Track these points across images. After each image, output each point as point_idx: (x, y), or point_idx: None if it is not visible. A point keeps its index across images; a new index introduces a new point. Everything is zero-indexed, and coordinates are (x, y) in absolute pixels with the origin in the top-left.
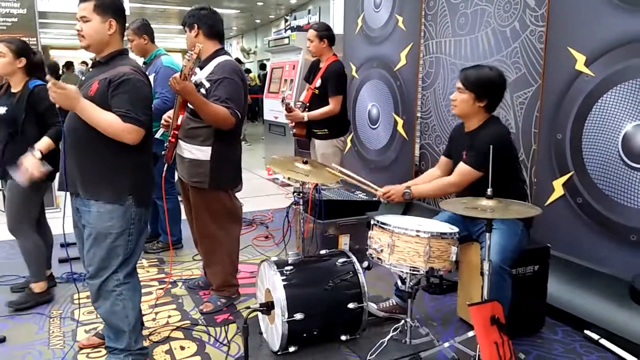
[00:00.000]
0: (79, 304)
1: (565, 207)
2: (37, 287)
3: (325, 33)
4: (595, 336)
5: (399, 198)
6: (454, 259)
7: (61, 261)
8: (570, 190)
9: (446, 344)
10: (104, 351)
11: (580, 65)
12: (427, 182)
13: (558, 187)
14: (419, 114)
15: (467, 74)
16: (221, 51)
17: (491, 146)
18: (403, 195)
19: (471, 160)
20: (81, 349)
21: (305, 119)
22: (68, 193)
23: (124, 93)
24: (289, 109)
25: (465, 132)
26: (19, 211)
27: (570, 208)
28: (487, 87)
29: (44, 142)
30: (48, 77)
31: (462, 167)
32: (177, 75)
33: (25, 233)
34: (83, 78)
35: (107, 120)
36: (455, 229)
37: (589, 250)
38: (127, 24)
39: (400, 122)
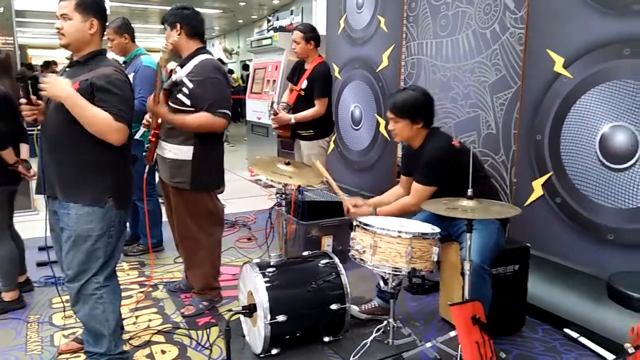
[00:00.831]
0: (64, 307)
1: (545, 207)
2: (8, 296)
3: (311, 35)
4: (574, 334)
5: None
6: (435, 259)
7: (39, 265)
8: (550, 191)
9: (428, 344)
10: (83, 356)
11: (558, 67)
12: (391, 202)
13: (537, 188)
14: None
15: (394, 103)
16: (202, 49)
17: (438, 159)
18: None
19: (421, 179)
20: (60, 354)
21: (292, 121)
22: (45, 196)
23: (114, 94)
24: (275, 113)
25: (414, 150)
26: None
27: (549, 208)
28: (417, 108)
29: (5, 155)
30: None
31: (416, 187)
32: (151, 98)
33: None
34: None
35: (99, 116)
36: (437, 230)
37: (568, 249)
38: (107, 24)
39: (382, 123)
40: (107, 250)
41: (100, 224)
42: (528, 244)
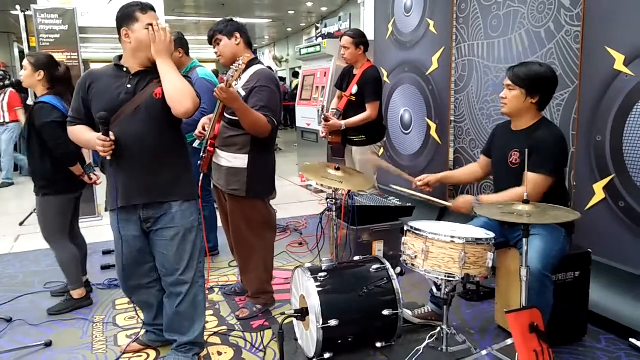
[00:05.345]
0: (135, 310)
1: (607, 211)
2: (76, 293)
3: (360, 40)
4: None
5: (468, 210)
6: (490, 265)
7: (103, 268)
8: (612, 194)
9: (484, 352)
10: (145, 356)
11: (619, 65)
12: (464, 176)
13: (599, 191)
14: (452, 118)
15: (516, 71)
16: (255, 60)
17: (562, 147)
18: (472, 207)
19: (543, 167)
20: (123, 354)
21: (343, 127)
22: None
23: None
24: (326, 119)
25: (513, 130)
26: (51, 223)
27: (611, 212)
28: (538, 82)
29: (74, 169)
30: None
31: (535, 178)
32: (222, 85)
33: (60, 243)
34: None
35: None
36: (492, 235)
37: (632, 255)
38: None
39: (433, 126)
40: (202, 239)
41: (197, 214)
42: (589, 250)
